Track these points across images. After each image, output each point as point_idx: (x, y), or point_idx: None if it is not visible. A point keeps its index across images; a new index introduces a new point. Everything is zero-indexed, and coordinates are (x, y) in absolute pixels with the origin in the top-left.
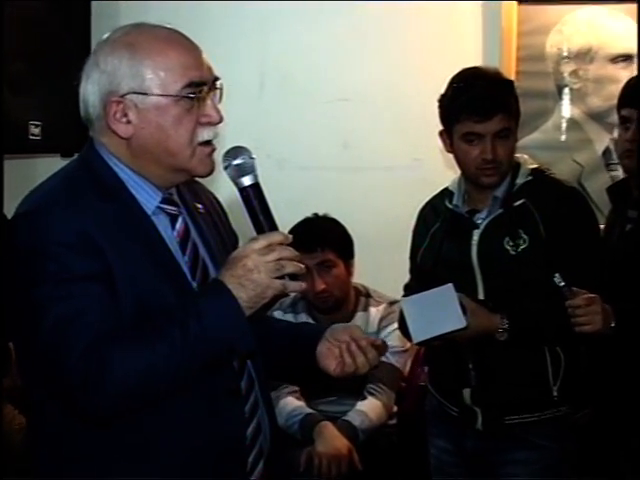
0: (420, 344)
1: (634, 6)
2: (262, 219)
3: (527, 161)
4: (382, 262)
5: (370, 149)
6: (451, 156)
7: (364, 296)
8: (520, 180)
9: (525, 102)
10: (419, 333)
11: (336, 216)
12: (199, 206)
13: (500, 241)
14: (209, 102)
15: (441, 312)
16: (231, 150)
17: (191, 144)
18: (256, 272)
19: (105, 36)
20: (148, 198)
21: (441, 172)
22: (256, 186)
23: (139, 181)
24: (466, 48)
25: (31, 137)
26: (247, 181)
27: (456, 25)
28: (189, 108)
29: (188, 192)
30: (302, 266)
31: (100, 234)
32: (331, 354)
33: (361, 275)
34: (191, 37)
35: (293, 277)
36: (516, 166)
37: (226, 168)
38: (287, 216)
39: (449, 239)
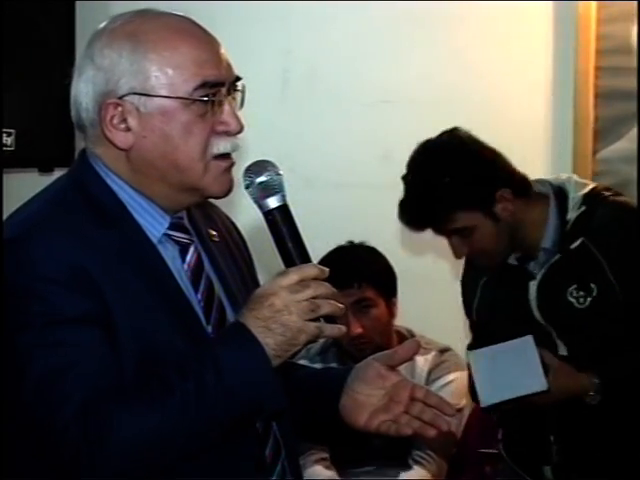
0: (489, 409)
1: None
2: (292, 248)
3: (577, 185)
4: (431, 301)
5: None
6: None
7: None
8: (572, 214)
9: (607, 104)
10: (489, 395)
11: (375, 244)
12: (213, 233)
13: (563, 294)
14: (227, 107)
15: (518, 370)
16: (254, 165)
17: (204, 157)
18: (286, 313)
19: (102, 25)
20: (154, 223)
21: None
22: (285, 209)
23: (143, 203)
24: (532, 38)
25: (2, 148)
26: (274, 202)
27: (519, 9)
28: (202, 114)
29: (201, 216)
30: (341, 306)
31: (97, 268)
32: (360, 402)
33: (405, 317)
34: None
35: (330, 319)
36: (562, 195)
37: (248, 187)
38: (315, 244)
39: (503, 292)
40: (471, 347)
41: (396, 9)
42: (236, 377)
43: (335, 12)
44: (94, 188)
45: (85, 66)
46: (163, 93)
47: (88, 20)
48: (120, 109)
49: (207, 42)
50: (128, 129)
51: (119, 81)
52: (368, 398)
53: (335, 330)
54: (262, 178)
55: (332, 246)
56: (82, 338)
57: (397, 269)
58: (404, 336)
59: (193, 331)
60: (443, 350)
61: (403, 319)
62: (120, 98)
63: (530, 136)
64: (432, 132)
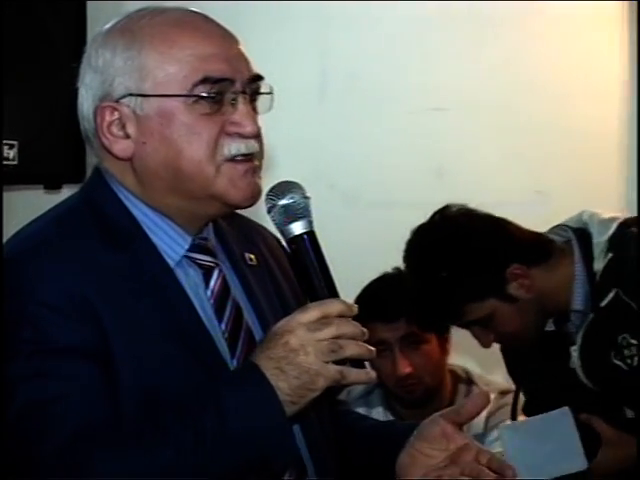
0: None
1: None
2: (316, 281)
3: (601, 225)
4: None
5: (474, 178)
6: (586, 188)
7: (465, 383)
8: (599, 264)
9: None
10: (522, 474)
11: None
12: (250, 256)
13: (606, 357)
14: (242, 106)
15: (554, 446)
16: (276, 186)
17: (213, 160)
18: (302, 354)
19: (105, 26)
20: (172, 244)
21: (572, 210)
22: (310, 236)
23: (159, 221)
24: (598, 39)
25: (4, 162)
26: (298, 229)
27: (583, 8)
28: (208, 113)
29: (236, 237)
30: (371, 349)
31: (100, 296)
32: (418, 460)
33: (460, 354)
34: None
35: (356, 363)
36: (587, 241)
37: (270, 211)
38: (356, 271)
39: (546, 361)
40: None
41: (449, 7)
42: (240, 423)
43: (380, 9)
44: (107, 206)
45: (85, 70)
46: (161, 92)
47: (100, 19)
48: (117, 114)
49: (215, 35)
50: (127, 136)
51: (114, 82)
52: (428, 458)
53: (361, 376)
54: (285, 201)
55: (375, 274)
56: (72, 370)
57: None
58: (459, 376)
59: (210, 368)
60: (504, 392)
61: (458, 356)
62: (116, 101)
63: (598, 144)
64: (493, 145)
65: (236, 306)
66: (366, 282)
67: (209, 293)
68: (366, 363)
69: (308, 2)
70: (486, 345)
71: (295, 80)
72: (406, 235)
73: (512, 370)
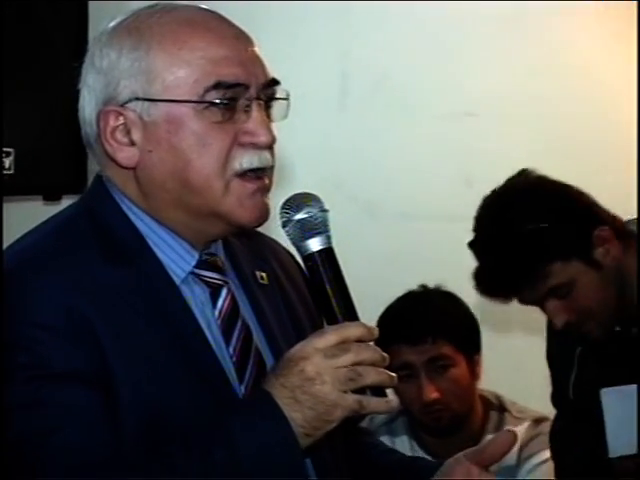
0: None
1: None
2: (334, 302)
3: None
4: (523, 358)
5: None
6: (629, 202)
7: (497, 410)
8: None
9: None
10: (619, 446)
11: (454, 289)
12: (261, 274)
13: None
14: (255, 114)
15: None
16: (292, 199)
17: (223, 175)
18: (318, 382)
19: (110, 24)
20: (178, 260)
21: None
22: (328, 253)
23: (165, 235)
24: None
25: None
26: (315, 245)
27: (621, 7)
28: (220, 121)
29: (247, 254)
30: (392, 375)
31: (100, 314)
32: None
33: (491, 378)
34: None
35: (376, 391)
36: None
37: (285, 225)
38: (379, 288)
39: (611, 365)
40: (555, 434)
41: (480, 6)
42: (252, 456)
43: (405, 7)
44: (109, 218)
45: (87, 71)
46: (169, 97)
47: (103, 20)
48: (122, 119)
49: (228, 37)
50: (132, 143)
51: (119, 85)
52: None
53: (381, 405)
54: (301, 215)
55: (399, 291)
56: (71, 398)
57: (481, 319)
58: (490, 403)
59: (217, 393)
60: (539, 420)
61: (489, 381)
62: (122, 106)
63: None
64: (528, 151)
65: (245, 328)
66: (389, 301)
67: (216, 313)
68: (388, 390)
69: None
70: (560, 323)
71: (314, 84)
72: (433, 249)
73: (560, 376)
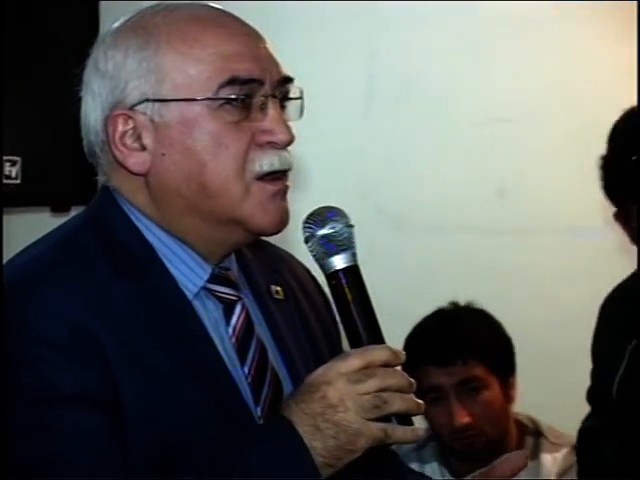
0: None
1: None
2: (359, 323)
3: None
4: (560, 380)
5: (542, 200)
6: None
7: (532, 435)
8: None
9: None
10: None
11: (487, 306)
12: (277, 289)
13: None
14: (272, 111)
15: None
16: (316, 213)
17: (242, 177)
18: (341, 410)
19: (113, 25)
20: (190, 274)
21: None
22: (354, 271)
23: (176, 248)
24: None
25: (5, 181)
26: (340, 262)
27: None
28: (236, 120)
29: (261, 267)
30: (419, 403)
31: (108, 331)
32: None
33: (526, 402)
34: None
35: (402, 419)
36: None
37: (308, 241)
38: (407, 305)
39: None
40: (586, 431)
41: (512, 7)
42: None
43: (435, 7)
44: (117, 229)
45: (90, 76)
46: (181, 96)
47: (115, 19)
48: (132, 123)
49: (239, 33)
50: (143, 147)
51: (127, 87)
52: None
53: (408, 434)
54: (325, 230)
55: (428, 309)
56: (78, 423)
57: (513, 337)
58: (525, 427)
59: (232, 415)
60: None
61: (523, 404)
62: (130, 108)
63: None
64: (564, 161)
65: (260, 346)
66: (417, 319)
67: (230, 330)
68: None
69: None
70: None
71: (338, 86)
72: (464, 263)
73: (605, 371)
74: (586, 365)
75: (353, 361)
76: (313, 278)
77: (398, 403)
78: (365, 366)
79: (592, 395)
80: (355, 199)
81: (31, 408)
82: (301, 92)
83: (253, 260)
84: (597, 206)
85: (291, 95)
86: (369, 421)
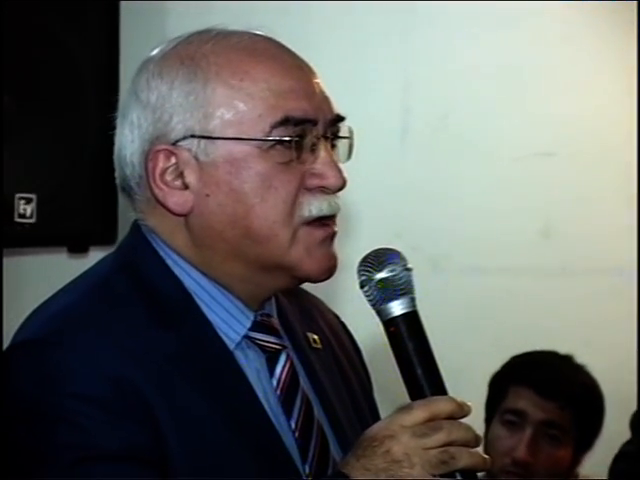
0: None
1: None
2: (420, 373)
3: None
4: (609, 430)
5: (588, 239)
6: None
7: None
8: None
9: None
10: None
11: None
12: (314, 337)
13: None
14: (323, 154)
15: None
16: (373, 255)
17: (290, 222)
18: (407, 465)
19: (154, 51)
20: (231, 322)
21: None
22: (414, 317)
23: (216, 293)
24: None
25: (19, 220)
26: (399, 308)
27: None
28: (286, 162)
29: (296, 312)
30: (486, 458)
31: (150, 384)
32: None
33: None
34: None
35: (467, 475)
36: None
37: (364, 285)
38: (443, 352)
39: None
40: (621, 457)
41: (554, 33)
42: None
43: (473, 36)
44: (151, 272)
45: (129, 105)
46: (230, 134)
47: (137, 44)
48: (174, 160)
49: (293, 67)
50: (186, 186)
51: (171, 121)
52: None
53: None
54: (384, 274)
55: (465, 356)
56: None
57: None
58: None
59: (281, 474)
60: None
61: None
62: (174, 144)
63: None
64: (608, 195)
65: (306, 399)
66: (454, 366)
67: (274, 382)
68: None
69: (389, 27)
70: None
71: (372, 120)
72: (505, 307)
73: None
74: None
75: (417, 413)
76: (343, 324)
77: (465, 458)
78: (429, 418)
79: (635, 422)
80: (389, 237)
81: (74, 468)
82: (350, 132)
83: (288, 306)
84: None
85: (341, 134)
86: (436, 477)
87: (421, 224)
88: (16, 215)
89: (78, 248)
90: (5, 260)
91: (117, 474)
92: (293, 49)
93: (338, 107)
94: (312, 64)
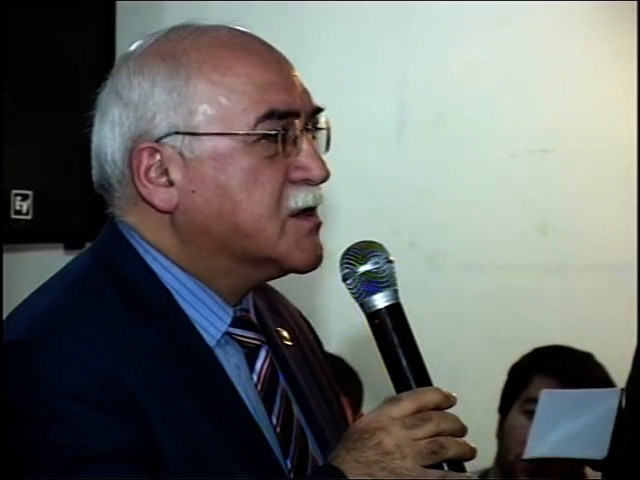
0: (531, 461)
1: None
2: (406, 365)
3: None
4: None
5: (585, 236)
6: None
7: None
8: None
9: None
10: (538, 446)
11: (526, 349)
12: (284, 333)
13: None
14: (306, 146)
15: (585, 424)
16: (355, 248)
17: (277, 215)
18: (398, 457)
19: (132, 47)
20: (211, 318)
21: None
22: (397, 309)
23: (196, 289)
24: None
25: (15, 216)
26: (382, 301)
27: None
28: (271, 155)
29: (266, 308)
30: (473, 447)
31: (138, 380)
32: None
33: None
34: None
35: (454, 464)
36: None
37: (346, 279)
38: (440, 348)
39: None
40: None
41: (553, 31)
42: None
43: (468, 33)
44: (129, 270)
45: (109, 103)
46: (215, 130)
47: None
48: (158, 157)
49: (273, 60)
50: (171, 183)
51: (154, 118)
52: None
53: None
54: (367, 267)
55: (462, 351)
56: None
57: None
58: None
59: (264, 470)
60: None
61: None
62: (158, 141)
63: None
64: (608, 192)
65: (285, 394)
66: (452, 363)
67: (254, 378)
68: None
69: (385, 24)
70: None
71: (369, 116)
72: (503, 304)
73: None
74: None
75: (406, 405)
76: (305, 319)
77: (454, 448)
78: (418, 409)
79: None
80: (386, 234)
81: (67, 469)
82: (328, 123)
83: (258, 302)
84: None
85: (320, 126)
86: (427, 469)
87: (417, 220)
88: (12, 212)
89: (74, 244)
90: (4, 257)
91: (110, 473)
92: (290, 47)
93: (325, 101)
94: (309, 61)
